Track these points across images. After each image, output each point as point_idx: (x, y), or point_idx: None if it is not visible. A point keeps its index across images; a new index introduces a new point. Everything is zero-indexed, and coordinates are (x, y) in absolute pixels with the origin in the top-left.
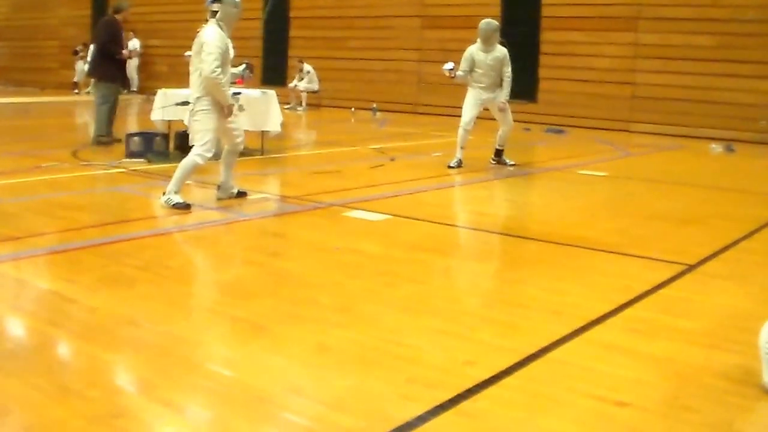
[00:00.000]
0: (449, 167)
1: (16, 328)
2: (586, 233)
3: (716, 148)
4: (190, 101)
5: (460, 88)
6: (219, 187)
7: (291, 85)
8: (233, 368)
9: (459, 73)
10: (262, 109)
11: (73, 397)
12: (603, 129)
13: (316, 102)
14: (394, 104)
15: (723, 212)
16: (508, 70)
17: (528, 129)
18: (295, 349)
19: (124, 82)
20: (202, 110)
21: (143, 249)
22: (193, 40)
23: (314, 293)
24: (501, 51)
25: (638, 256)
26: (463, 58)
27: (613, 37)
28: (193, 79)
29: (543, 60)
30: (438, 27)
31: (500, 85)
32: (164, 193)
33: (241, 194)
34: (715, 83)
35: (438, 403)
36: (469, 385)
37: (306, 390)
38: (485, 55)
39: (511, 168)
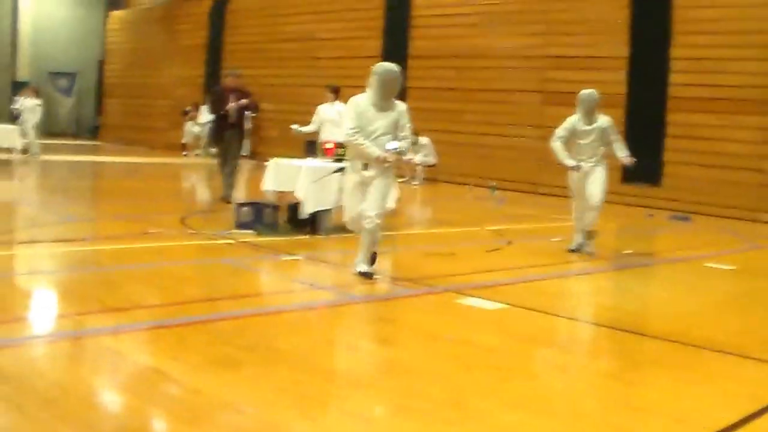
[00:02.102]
0: (569, 251)
1: (114, 406)
2: (713, 333)
3: None
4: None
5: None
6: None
7: (406, 158)
8: None
9: (556, 143)
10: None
11: None
12: (730, 218)
13: (432, 176)
14: (513, 182)
15: None
16: (617, 136)
17: (651, 215)
18: None
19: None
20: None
21: (250, 328)
22: (301, 104)
23: (424, 385)
24: (604, 120)
25: (767, 361)
26: (563, 125)
27: (743, 120)
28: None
29: (668, 143)
30: (559, 104)
31: (603, 157)
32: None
33: (367, 275)
34: None
35: None
36: None
37: None
38: (589, 128)
39: (629, 256)
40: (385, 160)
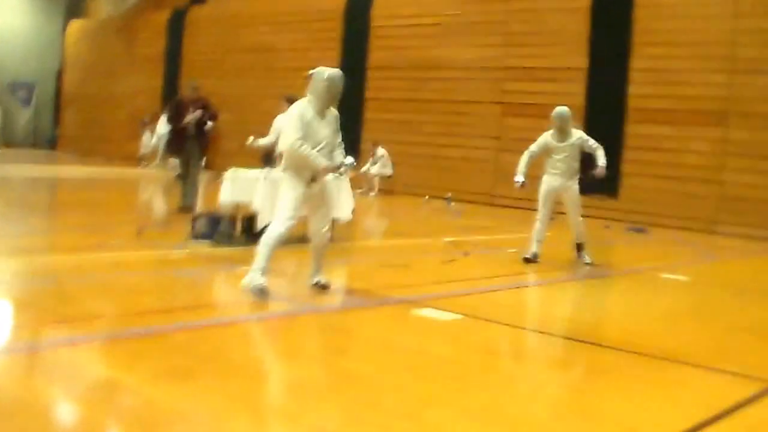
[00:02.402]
0: (524, 259)
1: (68, 416)
2: (666, 343)
3: None
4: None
5: (538, 181)
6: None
7: (363, 169)
8: None
9: (526, 157)
10: (333, 195)
11: None
12: (687, 229)
13: (388, 187)
14: (469, 194)
15: None
16: (593, 144)
17: (608, 226)
18: None
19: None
20: (286, 179)
21: (206, 339)
22: (260, 115)
23: (379, 396)
24: (577, 135)
25: (720, 371)
26: (537, 141)
27: (702, 132)
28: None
29: (627, 154)
30: (518, 115)
31: (576, 172)
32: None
33: (321, 286)
34: None
35: None
36: None
37: None
38: (562, 144)
39: (588, 268)
40: (335, 170)
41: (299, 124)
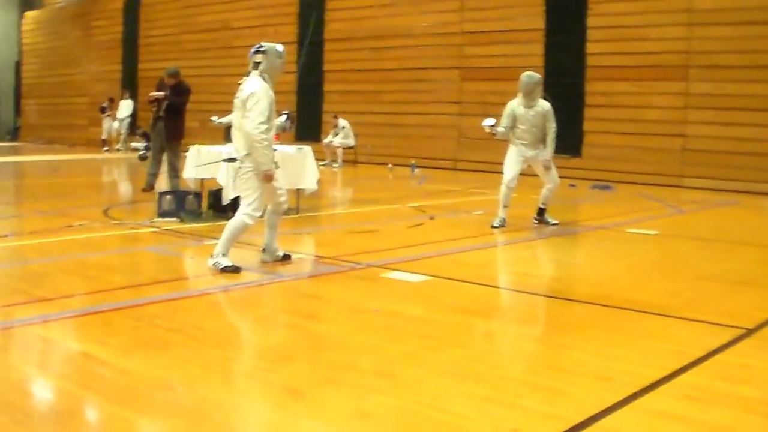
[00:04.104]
0: (493, 227)
1: (48, 391)
2: (637, 295)
3: None
4: (237, 157)
5: (502, 144)
6: (264, 250)
7: (326, 140)
8: None
9: (500, 129)
10: (297, 167)
11: None
12: (652, 184)
13: (352, 158)
14: (433, 160)
15: None
16: (552, 126)
17: (573, 185)
18: (334, 414)
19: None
20: (249, 168)
21: (176, 311)
22: (220, 94)
23: (353, 357)
24: (544, 105)
25: (692, 320)
26: (504, 114)
27: (663, 87)
28: (237, 135)
29: (588, 112)
30: (478, 79)
31: (543, 141)
32: (212, 256)
33: (286, 257)
34: None
35: None
36: None
37: None
38: (527, 110)
39: (555, 227)
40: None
41: (267, 106)
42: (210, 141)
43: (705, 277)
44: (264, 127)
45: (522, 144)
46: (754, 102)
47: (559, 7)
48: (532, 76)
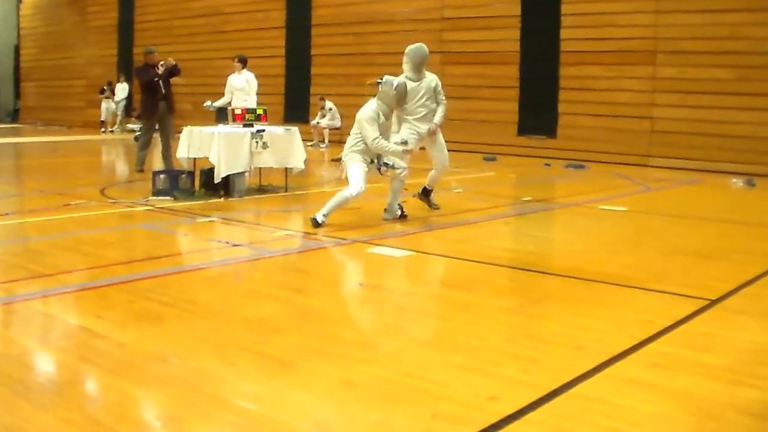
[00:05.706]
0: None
1: (47, 363)
2: (608, 268)
3: (737, 182)
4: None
5: (482, 124)
6: (385, 210)
7: (313, 122)
8: (259, 403)
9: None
10: (285, 147)
11: (103, 431)
12: (622, 164)
13: (338, 139)
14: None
15: (744, 247)
16: (442, 97)
17: (548, 165)
18: (320, 384)
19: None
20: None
21: (170, 285)
22: (212, 77)
23: (338, 329)
24: (433, 77)
25: (659, 291)
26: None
27: (632, 71)
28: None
29: (562, 95)
30: (457, 63)
31: (434, 114)
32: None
33: (403, 216)
34: (734, 117)
35: None
36: (494, 420)
37: (331, 425)
38: (419, 85)
39: (437, 210)
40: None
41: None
42: (201, 123)
43: (672, 251)
44: (379, 137)
45: (417, 120)
46: (717, 86)
47: None
48: (421, 47)
